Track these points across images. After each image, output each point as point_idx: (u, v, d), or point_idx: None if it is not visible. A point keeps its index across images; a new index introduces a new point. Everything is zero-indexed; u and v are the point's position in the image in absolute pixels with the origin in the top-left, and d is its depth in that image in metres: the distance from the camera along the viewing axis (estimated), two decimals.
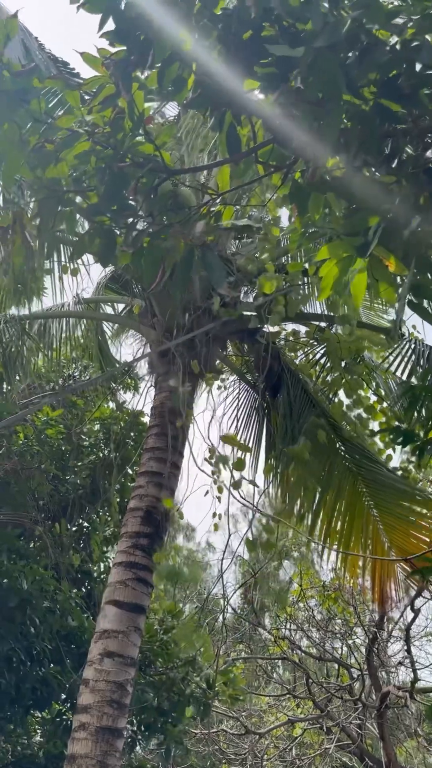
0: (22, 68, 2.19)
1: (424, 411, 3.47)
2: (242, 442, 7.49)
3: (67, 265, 5.75)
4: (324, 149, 1.83)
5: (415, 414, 3.52)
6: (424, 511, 5.49)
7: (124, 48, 2.07)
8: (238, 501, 4.82)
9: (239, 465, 4.92)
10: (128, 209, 2.20)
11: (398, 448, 5.75)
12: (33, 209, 2.31)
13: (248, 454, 7.49)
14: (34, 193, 2.28)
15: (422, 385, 3.92)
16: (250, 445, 7.45)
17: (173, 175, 2.35)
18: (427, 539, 5.20)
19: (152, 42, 2.14)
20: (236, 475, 4.94)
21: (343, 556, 5.61)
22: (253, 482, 4.78)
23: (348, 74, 1.67)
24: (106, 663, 4.59)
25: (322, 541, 5.76)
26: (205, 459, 6.36)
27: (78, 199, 2.29)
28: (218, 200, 2.51)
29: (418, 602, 8.47)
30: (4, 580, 6.35)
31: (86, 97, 2.40)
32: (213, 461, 5.99)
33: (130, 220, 2.20)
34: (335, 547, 5.64)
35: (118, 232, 2.29)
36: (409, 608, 8.32)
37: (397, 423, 4.80)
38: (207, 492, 5.78)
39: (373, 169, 1.89)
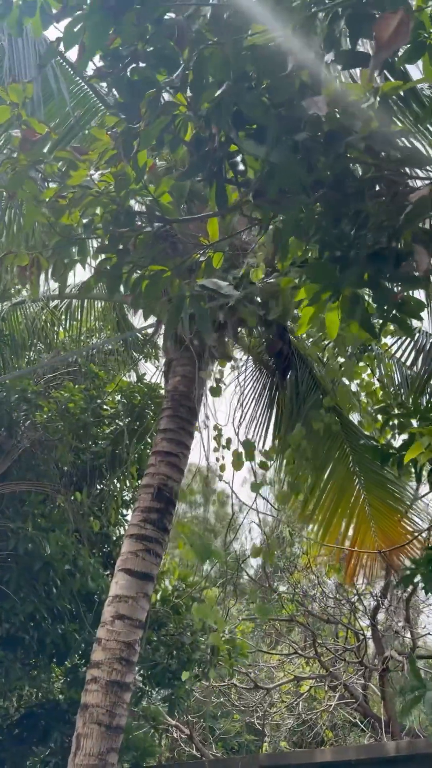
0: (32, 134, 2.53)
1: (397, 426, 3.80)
2: (253, 419, 7.93)
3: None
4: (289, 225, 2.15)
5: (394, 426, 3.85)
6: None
7: (124, 117, 2.40)
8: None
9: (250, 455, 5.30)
10: (132, 253, 2.55)
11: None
12: (47, 252, 2.68)
13: (259, 431, 7.95)
14: (49, 238, 2.65)
15: (398, 405, 4.24)
16: (260, 423, 7.89)
17: (169, 223, 2.70)
18: (411, 532, 5.58)
19: (150, 110, 2.47)
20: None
21: (324, 531, 6.07)
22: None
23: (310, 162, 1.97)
24: (117, 624, 5.10)
25: (312, 516, 6.23)
26: (214, 438, 6.85)
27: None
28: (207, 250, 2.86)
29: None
30: (29, 545, 6.91)
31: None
32: (219, 441, 6.51)
33: (130, 266, 2.56)
34: (320, 521, 6.10)
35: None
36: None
37: (374, 442, 5.13)
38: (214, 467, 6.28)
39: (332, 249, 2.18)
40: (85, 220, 2.60)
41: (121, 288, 3.09)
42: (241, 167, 2.30)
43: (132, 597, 5.20)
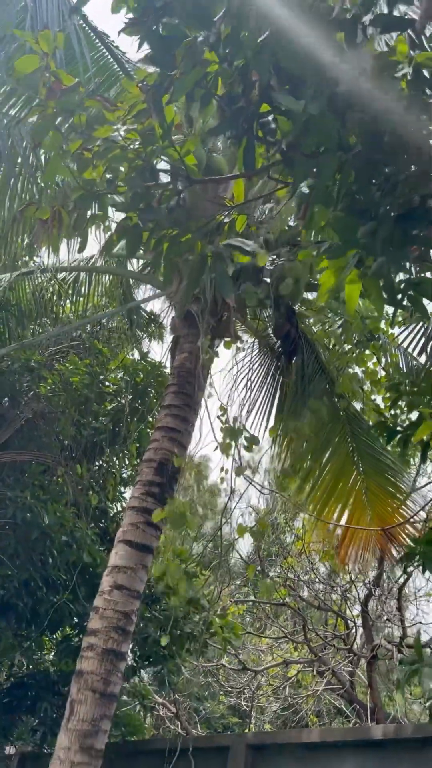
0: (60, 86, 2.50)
1: (405, 406, 3.79)
2: (256, 402, 7.91)
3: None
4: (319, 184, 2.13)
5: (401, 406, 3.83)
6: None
7: (158, 71, 2.37)
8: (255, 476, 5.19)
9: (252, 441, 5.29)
10: (154, 212, 2.53)
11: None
12: (69, 206, 2.65)
13: (261, 413, 7.94)
14: (72, 192, 2.62)
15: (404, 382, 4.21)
16: (263, 406, 7.88)
17: (194, 183, 2.67)
18: (407, 516, 5.58)
19: (185, 61, 2.44)
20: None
21: (319, 514, 6.06)
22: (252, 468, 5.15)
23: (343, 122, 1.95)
24: (115, 594, 5.12)
25: (307, 499, 6.22)
26: (218, 417, 6.81)
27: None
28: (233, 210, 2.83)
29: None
30: (28, 514, 6.92)
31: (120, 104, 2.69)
32: (224, 420, 6.45)
33: (152, 226, 2.54)
34: (315, 506, 6.08)
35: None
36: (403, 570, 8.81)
37: (382, 418, 5.12)
38: (216, 447, 6.24)
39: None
40: (108, 176, 2.57)
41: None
42: (272, 126, 2.27)
43: (131, 568, 5.22)
